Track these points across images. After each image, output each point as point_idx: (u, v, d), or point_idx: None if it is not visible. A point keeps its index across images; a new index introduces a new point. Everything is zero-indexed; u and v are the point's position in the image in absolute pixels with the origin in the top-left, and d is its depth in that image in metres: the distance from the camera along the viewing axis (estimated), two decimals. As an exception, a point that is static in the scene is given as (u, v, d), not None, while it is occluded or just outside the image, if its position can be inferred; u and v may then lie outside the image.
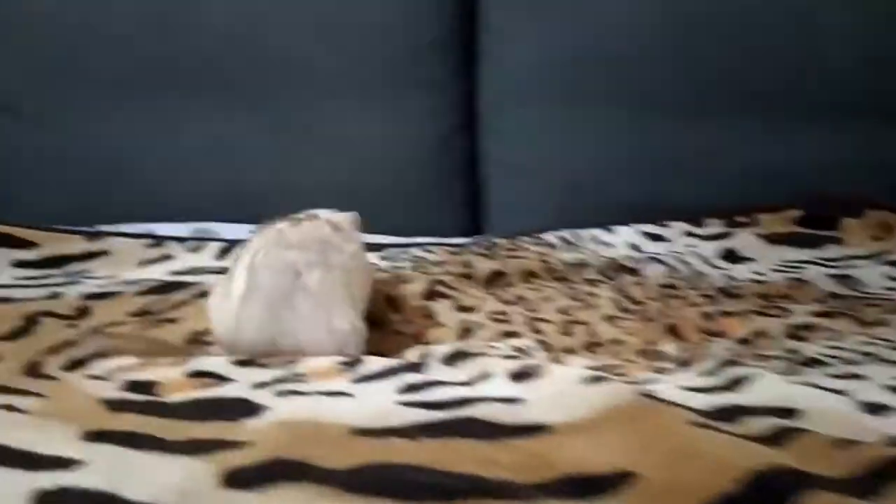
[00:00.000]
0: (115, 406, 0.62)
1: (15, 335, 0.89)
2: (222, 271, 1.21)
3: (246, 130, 1.40)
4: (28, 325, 0.92)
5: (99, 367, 0.76)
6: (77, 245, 1.23)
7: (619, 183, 1.38)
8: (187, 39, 1.36)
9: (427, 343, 0.83)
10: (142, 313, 0.97)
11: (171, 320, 0.94)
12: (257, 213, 1.36)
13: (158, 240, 1.26)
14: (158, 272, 1.18)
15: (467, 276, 1.09)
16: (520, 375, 0.65)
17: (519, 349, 0.75)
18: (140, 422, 0.59)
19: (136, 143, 1.37)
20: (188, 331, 0.90)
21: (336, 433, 0.54)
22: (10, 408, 0.60)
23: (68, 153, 1.36)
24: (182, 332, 0.90)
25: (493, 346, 0.74)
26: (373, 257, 1.26)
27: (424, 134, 1.37)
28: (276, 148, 1.37)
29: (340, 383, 0.68)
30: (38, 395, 0.65)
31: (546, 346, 0.78)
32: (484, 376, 0.67)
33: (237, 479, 0.49)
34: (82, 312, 0.97)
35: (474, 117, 1.39)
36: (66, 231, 1.24)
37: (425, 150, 1.38)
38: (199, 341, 0.88)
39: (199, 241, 1.26)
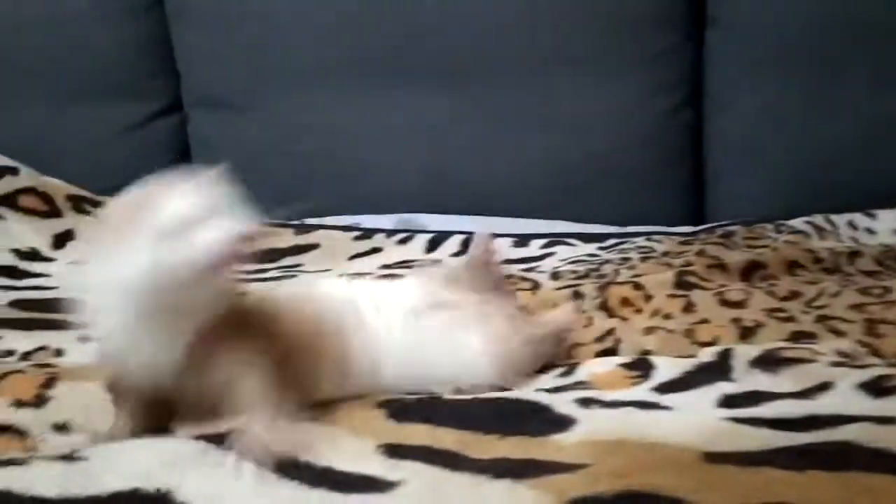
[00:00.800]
0: (397, 414, 0.54)
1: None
2: (433, 264, 1.16)
3: (453, 117, 1.32)
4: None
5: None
6: (287, 239, 1.20)
7: (869, 162, 1.20)
8: (392, 27, 1.31)
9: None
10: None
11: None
12: (465, 203, 1.33)
13: (366, 232, 1.22)
14: (369, 266, 1.14)
15: (719, 267, 0.96)
16: (880, 388, 0.52)
17: (844, 354, 0.62)
18: (430, 434, 0.51)
19: (340, 134, 1.33)
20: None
21: (685, 458, 0.44)
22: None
23: (275, 145, 1.34)
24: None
25: (813, 350, 0.62)
26: (591, 248, 1.17)
27: (644, 112, 1.25)
28: (484, 134, 1.29)
29: (636, 392, 0.58)
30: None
31: (872, 351, 0.64)
32: (824, 387, 0.55)
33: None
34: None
35: (700, 92, 1.25)
36: (276, 225, 1.22)
37: (645, 129, 1.25)
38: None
39: (407, 233, 1.20)
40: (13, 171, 1.19)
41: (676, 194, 1.28)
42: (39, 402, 0.57)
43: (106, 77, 1.37)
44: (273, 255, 1.16)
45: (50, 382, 0.60)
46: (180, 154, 1.39)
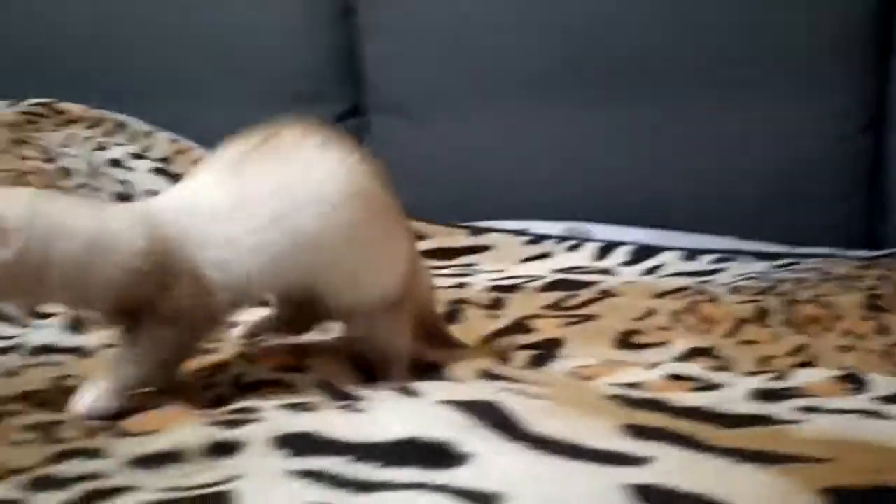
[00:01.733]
0: (626, 401, 0.59)
1: (447, 319, 0.91)
2: (603, 272, 1.20)
3: (624, 131, 1.36)
4: (453, 312, 0.94)
5: (560, 365, 0.76)
6: (462, 239, 1.27)
7: None
8: (568, 43, 1.36)
9: None
10: (554, 307, 0.96)
11: (588, 317, 0.92)
12: (633, 215, 1.36)
13: (536, 238, 1.27)
14: (540, 269, 1.19)
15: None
16: None
17: None
18: (666, 421, 0.55)
19: (514, 144, 1.39)
20: (615, 330, 0.87)
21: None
22: (525, 393, 0.59)
23: (450, 152, 1.41)
24: (605, 333, 0.87)
25: None
26: (762, 266, 1.17)
27: (820, 135, 1.25)
28: (656, 149, 1.32)
29: (857, 401, 0.60)
30: (535, 383, 0.64)
31: None
32: None
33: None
34: (497, 303, 0.98)
35: (884, 116, 1.24)
36: (452, 225, 1.29)
37: (820, 152, 1.25)
38: (628, 342, 0.84)
39: (577, 240, 1.25)
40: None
41: (851, 218, 1.26)
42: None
43: (294, 83, 1.49)
44: (448, 253, 1.24)
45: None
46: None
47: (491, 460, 0.47)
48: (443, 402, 0.56)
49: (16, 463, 0.46)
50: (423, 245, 1.25)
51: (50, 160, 1.11)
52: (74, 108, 1.35)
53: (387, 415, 0.53)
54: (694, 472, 0.46)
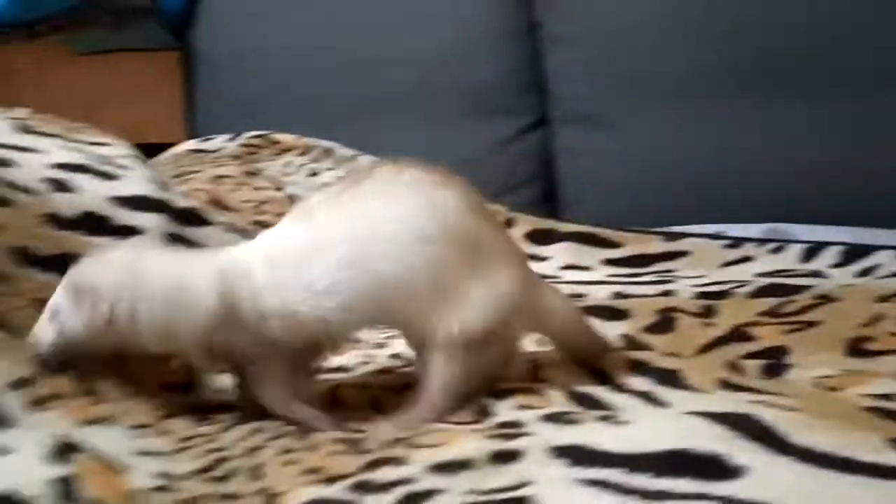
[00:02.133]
0: (885, 413, 0.59)
1: (658, 329, 0.93)
2: (813, 275, 1.17)
3: (809, 125, 1.32)
4: (664, 321, 0.96)
5: (796, 374, 0.76)
6: (657, 245, 1.27)
7: None
8: (744, 38, 1.34)
9: None
10: (771, 314, 0.96)
11: (809, 323, 0.91)
12: (838, 215, 1.32)
13: (735, 241, 1.25)
14: (743, 273, 1.17)
15: None
16: None
17: None
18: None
19: (705, 146, 1.38)
20: (839, 337, 0.85)
21: None
22: (777, 406, 0.61)
23: (638, 158, 1.42)
24: (830, 340, 0.86)
25: None
26: None
27: None
28: (858, 146, 1.27)
29: None
30: (780, 394, 0.65)
31: None
32: None
33: None
34: (708, 311, 0.98)
35: None
36: (644, 232, 1.30)
37: None
38: (859, 349, 0.83)
39: (779, 242, 1.22)
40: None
41: None
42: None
43: (482, 96, 1.55)
44: (643, 260, 1.25)
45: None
46: (547, 165, 1.53)
47: (768, 473, 0.49)
48: (698, 413, 0.58)
49: (336, 470, 0.54)
50: (616, 253, 1.28)
51: (279, 189, 1.23)
52: (287, 138, 1.48)
53: (650, 427, 0.56)
54: None
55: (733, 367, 0.77)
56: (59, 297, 0.60)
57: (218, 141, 1.51)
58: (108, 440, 0.55)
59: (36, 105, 1.04)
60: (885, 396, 0.65)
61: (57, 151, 0.81)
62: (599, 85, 1.45)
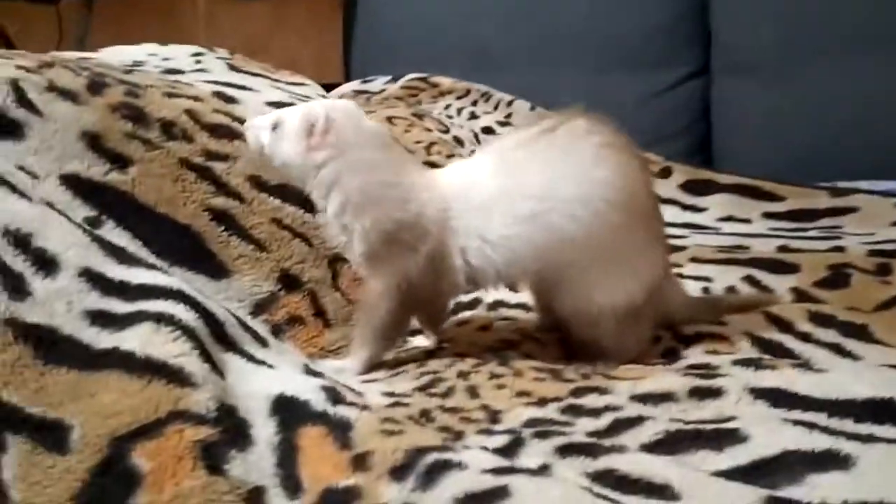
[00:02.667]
0: None
1: (830, 284, 0.93)
2: None
3: None
4: (837, 276, 0.95)
5: None
6: (824, 201, 1.24)
7: None
8: None
9: None
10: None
11: None
12: None
13: (909, 199, 1.21)
14: (917, 234, 1.14)
15: None
16: None
17: None
18: None
19: (873, 99, 1.32)
20: None
21: None
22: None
23: (798, 111, 1.38)
24: None
25: None
26: None
27: None
28: None
29: None
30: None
31: None
32: None
33: None
34: (884, 269, 0.97)
35: None
36: (810, 186, 1.27)
37: None
38: None
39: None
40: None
41: None
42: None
43: (644, 46, 1.53)
44: (810, 215, 1.23)
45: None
46: (702, 116, 1.50)
47: None
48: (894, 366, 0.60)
49: (545, 394, 0.58)
50: (779, 206, 1.26)
51: (446, 131, 1.28)
52: (445, 81, 1.52)
53: (849, 376, 0.58)
54: None
55: (920, 324, 0.76)
56: (291, 115, 0.62)
57: (379, 83, 1.57)
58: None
59: (205, 46, 1.12)
60: None
61: (266, 90, 0.88)
62: (765, 36, 1.40)
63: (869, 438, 0.50)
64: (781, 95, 1.41)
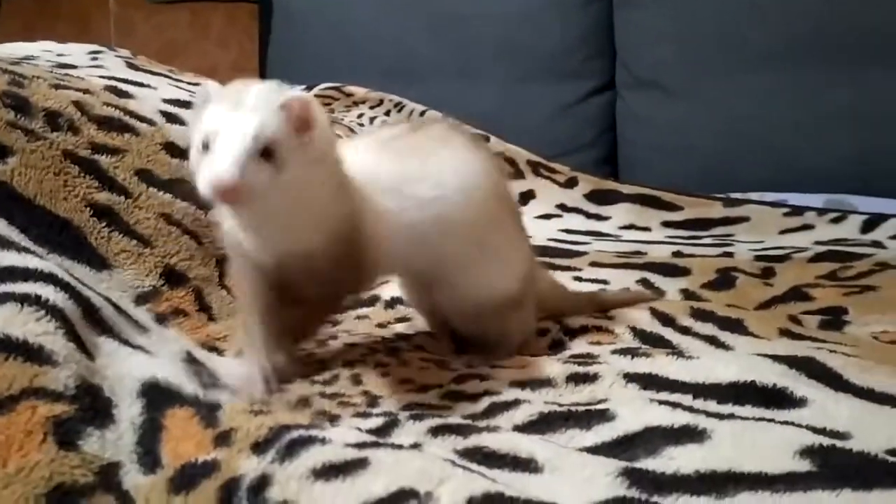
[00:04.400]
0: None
1: (716, 286, 0.97)
2: (873, 245, 1.19)
3: (875, 98, 1.33)
4: (724, 279, 0.99)
5: (854, 330, 0.80)
6: (718, 210, 1.30)
7: None
8: (807, 5, 1.35)
9: None
10: (829, 277, 0.99)
11: (868, 287, 0.94)
12: (889, 188, 1.32)
13: (796, 209, 1.28)
14: (802, 241, 1.20)
15: None
16: None
17: None
18: None
19: (768, 116, 1.40)
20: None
21: None
22: (837, 352, 0.65)
23: (700, 124, 1.45)
24: (887, 301, 0.89)
25: None
26: None
27: None
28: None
29: None
30: (839, 343, 0.69)
31: None
32: None
33: None
34: (768, 272, 1.02)
35: None
36: (705, 197, 1.33)
37: None
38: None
39: (840, 212, 1.24)
40: (486, 139, 1.44)
41: None
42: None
43: (553, 61, 1.58)
44: (704, 224, 1.28)
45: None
46: (609, 128, 1.56)
47: (828, 405, 0.54)
48: (762, 354, 0.63)
49: (426, 381, 0.59)
50: (676, 216, 1.31)
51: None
52: (359, 91, 1.53)
53: (717, 362, 0.61)
54: None
55: (793, 319, 0.81)
56: (262, 123, 0.52)
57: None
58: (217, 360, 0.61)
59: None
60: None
61: (164, 88, 0.87)
62: (665, 53, 1.47)
63: (728, 416, 0.53)
64: (680, 111, 1.47)
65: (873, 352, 0.66)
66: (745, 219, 1.28)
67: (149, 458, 0.42)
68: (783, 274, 1.01)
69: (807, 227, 1.24)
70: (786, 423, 0.52)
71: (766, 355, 0.63)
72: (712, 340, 0.71)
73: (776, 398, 0.55)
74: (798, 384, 0.57)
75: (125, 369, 0.47)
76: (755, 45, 1.40)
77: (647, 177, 1.43)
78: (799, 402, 0.54)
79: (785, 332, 0.73)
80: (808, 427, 0.50)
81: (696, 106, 1.46)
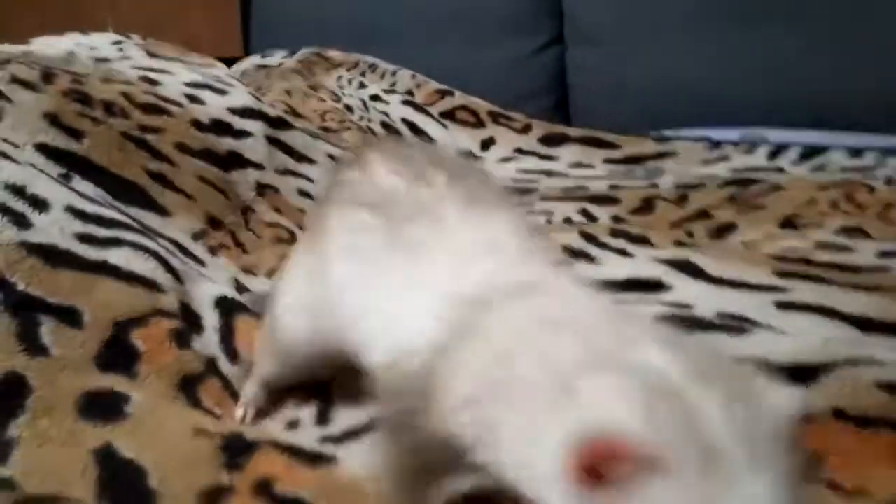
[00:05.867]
0: (779, 259, 0.86)
1: (640, 211, 1.20)
2: (776, 171, 1.43)
3: (785, 43, 1.54)
4: (647, 205, 1.22)
5: (733, 239, 1.03)
6: (650, 147, 1.52)
7: None
8: None
9: None
10: (731, 199, 1.22)
11: (759, 206, 1.17)
12: (796, 120, 1.55)
13: (716, 143, 1.50)
14: (719, 170, 1.43)
15: None
16: None
17: None
18: (803, 268, 0.82)
19: (699, 66, 1.61)
20: (778, 215, 1.12)
21: None
22: (708, 255, 0.88)
23: (638, 73, 1.65)
24: (772, 217, 1.12)
25: None
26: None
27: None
28: (829, 59, 1.49)
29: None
30: (713, 248, 0.92)
31: None
32: None
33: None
34: (683, 198, 1.25)
35: None
36: (640, 136, 1.55)
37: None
38: (790, 223, 1.09)
39: (751, 144, 1.47)
40: (450, 94, 1.65)
41: None
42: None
43: (507, 20, 1.77)
44: (638, 159, 1.50)
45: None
46: (560, 80, 1.76)
47: (688, 288, 0.77)
48: (652, 259, 0.86)
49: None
50: (616, 153, 1.54)
51: (338, 100, 1.48)
52: (337, 55, 1.72)
53: (618, 266, 0.84)
54: (819, 294, 0.74)
55: (689, 234, 1.04)
56: None
57: (277, 57, 1.76)
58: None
59: (110, 25, 1.27)
60: (789, 249, 0.92)
61: (182, 72, 1.07)
62: (606, 12, 1.67)
63: (616, 301, 0.76)
64: (621, 62, 1.68)
65: (734, 254, 0.90)
66: (673, 153, 1.51)
67: (231, 353, 0.65)
68: (695, 199, 1.24)
69: (724, 158, 1.47)
70: (657, 301, 0.75)
71: (656, 259, 0.86)
72: (622, 252, 0.94)
73: (653, 287, 0.79)
74: (670, 277, 0.80)
75: (202, 291, 0.69)
76: (682, 8, 1.60)
77: (593, 121, 1.64)
78: (667, 288, 0.78)
79: (678, 243, 0.97)
80: (668, 303, 0.74)
81: (635, 58, 1.66)
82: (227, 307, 0.69)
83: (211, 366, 0.63)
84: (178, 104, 0.97)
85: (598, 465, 0.33)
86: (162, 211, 0.83)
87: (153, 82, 1.00)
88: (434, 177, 0.48)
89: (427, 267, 0.45)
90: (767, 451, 0.33)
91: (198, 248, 0.81)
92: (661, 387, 0.34)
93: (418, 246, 0.46)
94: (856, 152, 1.39)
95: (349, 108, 1.48)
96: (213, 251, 0.82)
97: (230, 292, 0.70)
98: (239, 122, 1.03)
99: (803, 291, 0.75)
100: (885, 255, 0.87)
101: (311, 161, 1.12)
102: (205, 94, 1.03)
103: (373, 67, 1.71)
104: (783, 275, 0.79)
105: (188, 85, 1.03)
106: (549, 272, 0.46)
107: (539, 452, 0.36)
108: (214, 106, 1.02)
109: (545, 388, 0.37)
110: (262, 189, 0.98)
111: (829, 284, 0.76)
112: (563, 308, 0.42)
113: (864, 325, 0.67)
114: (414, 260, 0.46)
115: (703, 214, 1.16)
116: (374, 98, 1.59)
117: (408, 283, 0.45)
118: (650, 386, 0.34)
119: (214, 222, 0.87)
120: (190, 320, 0.66)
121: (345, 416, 0.59)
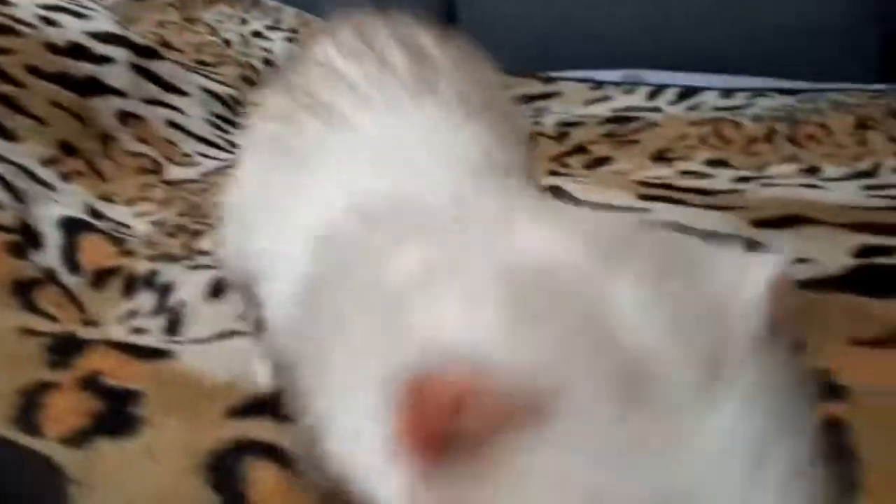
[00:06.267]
0: (644, 184, 0.89)
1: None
2: (653, 110, 1.47)
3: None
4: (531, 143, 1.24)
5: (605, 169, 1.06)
6: (537, 87, 1.54)
7: None
8: None
9: None
10: (609, 135, 1.25)
11: (635, 141, 1.20)
12: (683, 61, 1.59)
13: (598, 83, 1.53)
14: (601, 110, 1.46)
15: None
16: None
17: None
18: (666, 192, 0.85)
19: (576, 5, 1.63)
20: (651, 150, 1.15)
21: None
22: (580, 183, 0.90)
23: (528, 16, 1.66)
24: (645, 151, 1.16)
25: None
26: (789, 100, 1.41)
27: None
28: (705, 4, 1.54)
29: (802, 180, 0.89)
30: (586, 177, 0.94)
31: None
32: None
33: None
34: (563, 135, 1.27)
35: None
36: (526, 76, 1.56)
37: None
38: (661, 157, 1.13)
39: (631, 84, 1.50)
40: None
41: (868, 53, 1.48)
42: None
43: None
44: (526, 100, 1.52)
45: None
46: (451, 22, 1.75)
47: (557, 209, 0.78)
48: (524, 185, 0.87)
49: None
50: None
51: (214, 33, 1.42)
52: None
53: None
54: (676, 213, 0.77)
55: (564, 165, 1.06)
56: None
57: (153, -10, 1.67)
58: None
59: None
60: (655, 177, 0.95)
61: (35, -7, 1.00)
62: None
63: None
64: (513, 6, 1.69)
65: (602, 180, 0.92)
66: (559, 94, 1.53)
67: (72, 264, 0.62)
68: (575, 135, 1.27)
69: (606, 98, 1.50)
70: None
71: (529, 186, 0.87)
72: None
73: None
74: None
75: (47, 211, 0.66)
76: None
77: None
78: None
79: (552, 173, 0.98)
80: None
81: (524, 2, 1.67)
82: (72, 226, 0.65)
83: (50, 275, 0.61)
84: (31, 25, 0.91)
85: (441, 417, 0.20)
86: (10, 136, 0.78)
87: (4, 2, 0.93)
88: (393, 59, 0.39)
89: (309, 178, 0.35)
90: (731, 360, 0.21)
91: (47, 173, 0.76)
92: (542, 282, 0.23)
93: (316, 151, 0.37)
94: (728, 93, 1.44)
95: (227, 43, 1.42)
96: (65, 177, 0.78)
97: (78, 214, 0.67)
98: (100, 48, 0.97)
99: (662, 212, 0.77)
100: (739, 180, 0.91)
101: (181, 93, 1.07)
102: (62, 17, 0.97)
103: (255, 3, 1.65)
104: (645, 198, 0.82)
105: (43, 7, 0.96)
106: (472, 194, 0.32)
107: (356, 413, 0.24)
108: (72, 29, 0.96)
109: (373, 310, 0.25)
110: (125, 118, 0.93)
111: (686, 206, 0.79)
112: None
113: (713, 237, 0.69)
114: (300, 168, 0.36)
115: (581, 149, 1.18)
116: (256, 34, 1.54)
117: (291, 198, 0.36)
118: (525, 283, 0.23)
119: (69, 149, 0.82)
120: (29, 236, 0.63)
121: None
